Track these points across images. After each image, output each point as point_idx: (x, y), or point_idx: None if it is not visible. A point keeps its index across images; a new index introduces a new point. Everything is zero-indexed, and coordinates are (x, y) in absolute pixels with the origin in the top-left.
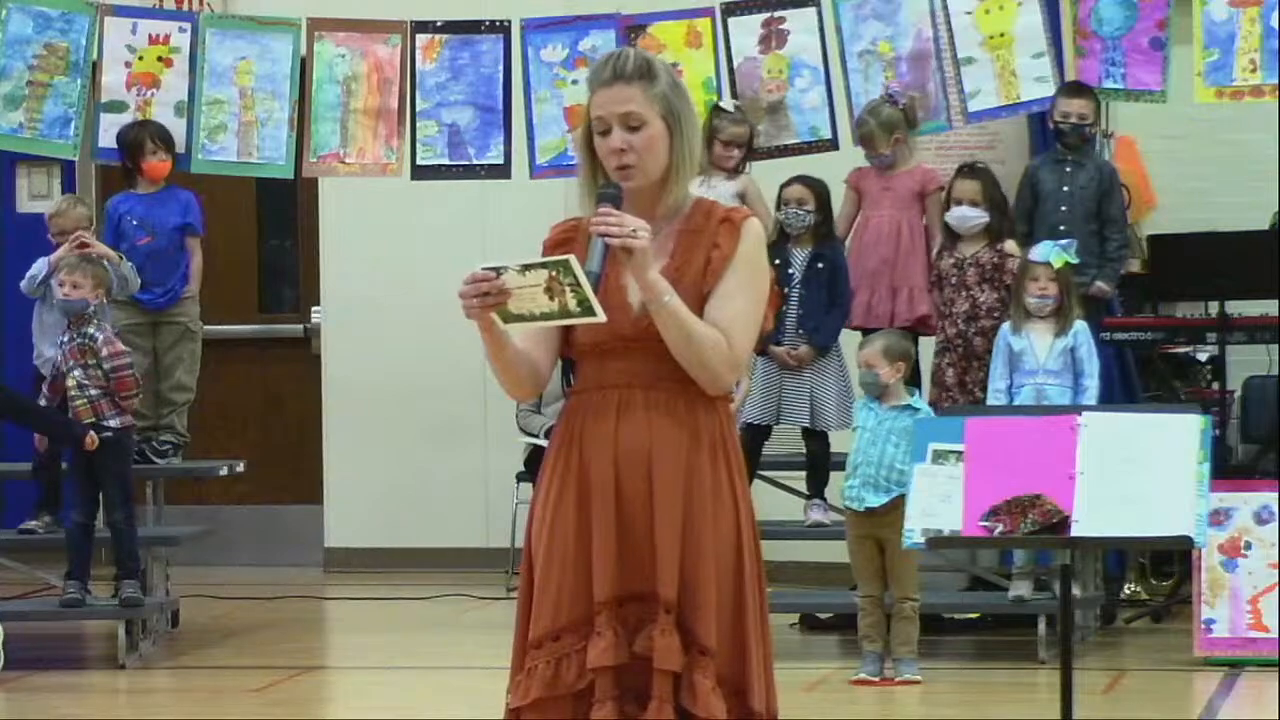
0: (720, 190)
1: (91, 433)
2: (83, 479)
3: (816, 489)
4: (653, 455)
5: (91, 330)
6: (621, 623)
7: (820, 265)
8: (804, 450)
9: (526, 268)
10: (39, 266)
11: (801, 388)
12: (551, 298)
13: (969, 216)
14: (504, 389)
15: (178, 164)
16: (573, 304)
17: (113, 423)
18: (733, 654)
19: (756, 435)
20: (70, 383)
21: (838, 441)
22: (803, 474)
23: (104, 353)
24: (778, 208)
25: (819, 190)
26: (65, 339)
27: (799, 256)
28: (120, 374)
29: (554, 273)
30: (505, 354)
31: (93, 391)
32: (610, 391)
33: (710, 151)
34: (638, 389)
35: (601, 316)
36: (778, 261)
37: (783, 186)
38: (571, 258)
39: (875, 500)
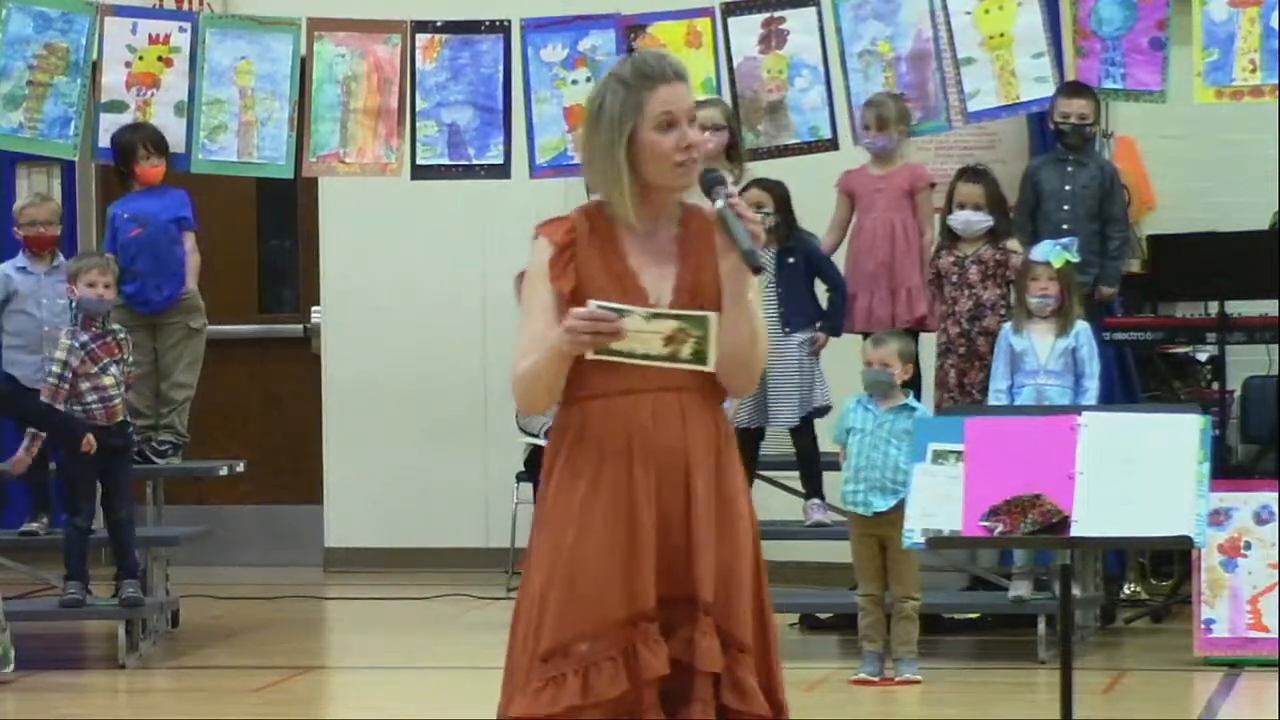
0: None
1: (90, 435)
2: (84, 480)
3: (813, 487)
4: (690, 459)
5: (116, 328)
6: (661, 629)
7: (792, 260)
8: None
9: (656, 316)
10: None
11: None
12: (666, 344)
13: (973, 220)
14: (535, 404)
15: (178, 164)
16: (685, 352)
17: (131, 419)
18: (761, 650)
19: (752, 438)
20: (108, 380)
21: (826, 441)
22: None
23: (130, 346)
24: None
25: (777, 192)
26: (86, 338)
27: (765, 258)
28: (133, 371)
29: (685, 325)
30: (562, 377)
31: (123, 388)
32: (643, 396)
33: None
34: (670, 392)
35: (712, 366)
36: None
37: (743, 193)
38: (714, 316)
39: (882, 504)
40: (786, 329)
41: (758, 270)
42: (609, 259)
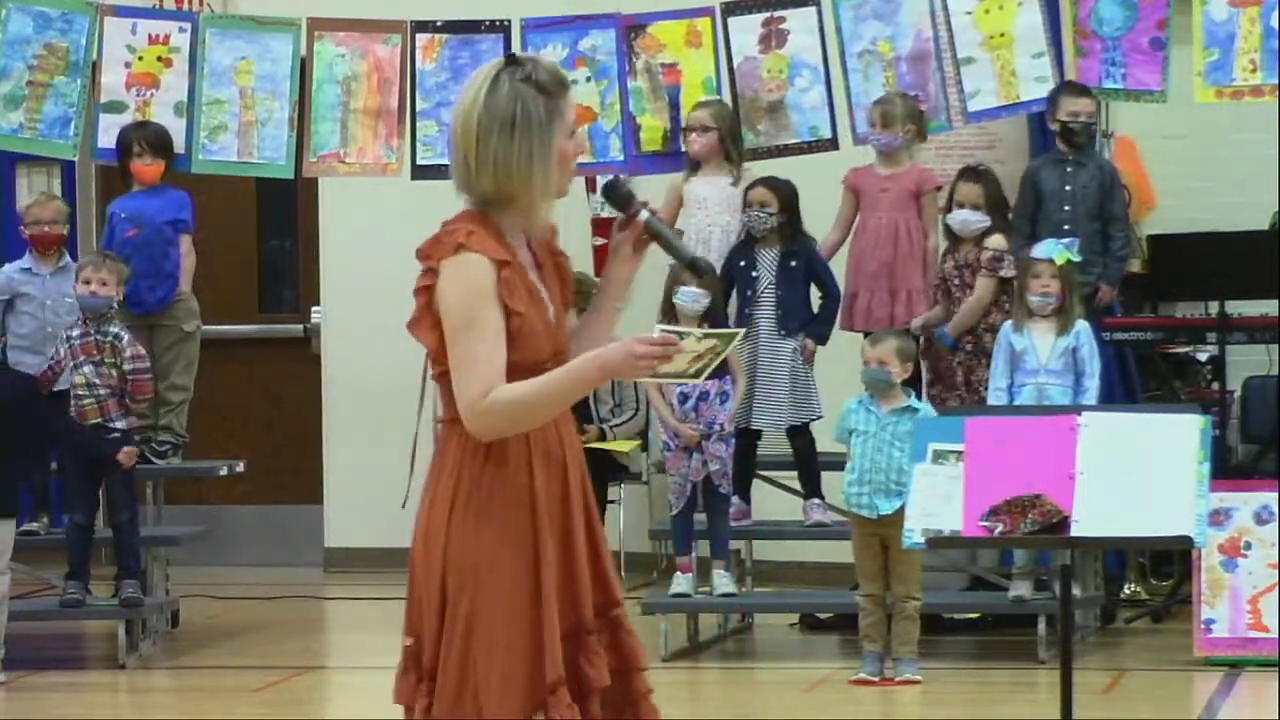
0: (730, 191)
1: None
2: (84, 480)
3: (812, 488)
4: (581, 463)
5: (114, 329)
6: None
7: (794, 264)
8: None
9: (707, 335)
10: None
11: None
12: (688, 362)
13: (970, 220)
14: (524, 428)
15: (178, 164)
16: (693, 369)
17: (119, 424)
18: None
19: (750, 438)
20: (78, 379)
21: (823, 441)
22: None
23: (128, 353)
24: (743, 211)
25: (783, 191)
26: (75, 334)
27: (767, 257)
28: (139, 377)
29: (717, 342)
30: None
31: (101, 391)
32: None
33: (685, 140)
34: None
35: (700, 380)
36: (742, 263)
37: (747, 190)
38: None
39: (888, 506)
40: (782, 331)
41: (706, 274)
42: (520, 273)
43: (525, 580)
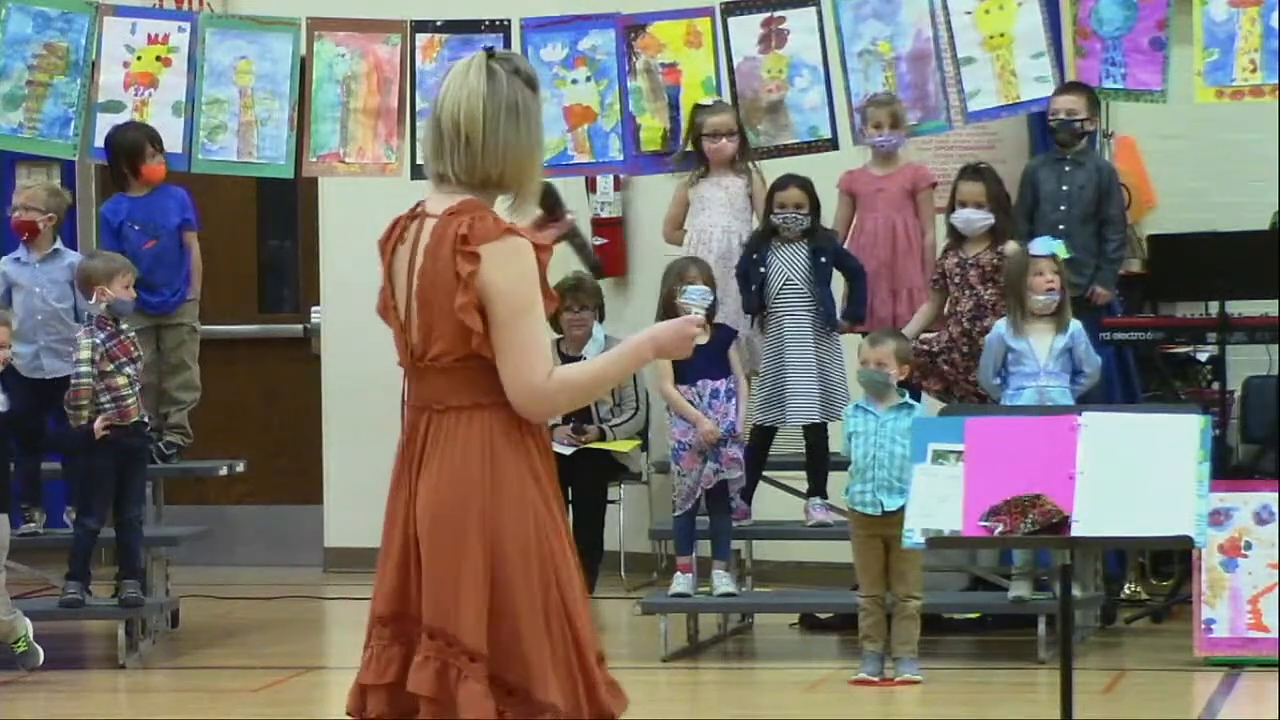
0: (733, 189)
1: (100, 420)
2: (102, 481)
3: (818, 484)
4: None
5: (126, 327)
6: None
7: (824, 260)
8: (803, 449)
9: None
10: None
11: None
12: None
13: (974, 219)
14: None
15: (177, 164)
16: None
17: (145, 418)
18: None
19: (767, 436)
20: (121, 380)
21: (831, 441)
22: (801, 474)
23: (138, 347)
24: (772, 210)
25: (811, 190)
26: (103, 337)
27: (788, 255)
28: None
29: None
30: None
31: (137, 386)
32: None
33: (700, 150)
34: None
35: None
36: (755, 257)
37: (778, 190)
38: None
39: (894, 503)
40: (824, 328)
41: (602, 274)
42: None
43: (569, 564)
